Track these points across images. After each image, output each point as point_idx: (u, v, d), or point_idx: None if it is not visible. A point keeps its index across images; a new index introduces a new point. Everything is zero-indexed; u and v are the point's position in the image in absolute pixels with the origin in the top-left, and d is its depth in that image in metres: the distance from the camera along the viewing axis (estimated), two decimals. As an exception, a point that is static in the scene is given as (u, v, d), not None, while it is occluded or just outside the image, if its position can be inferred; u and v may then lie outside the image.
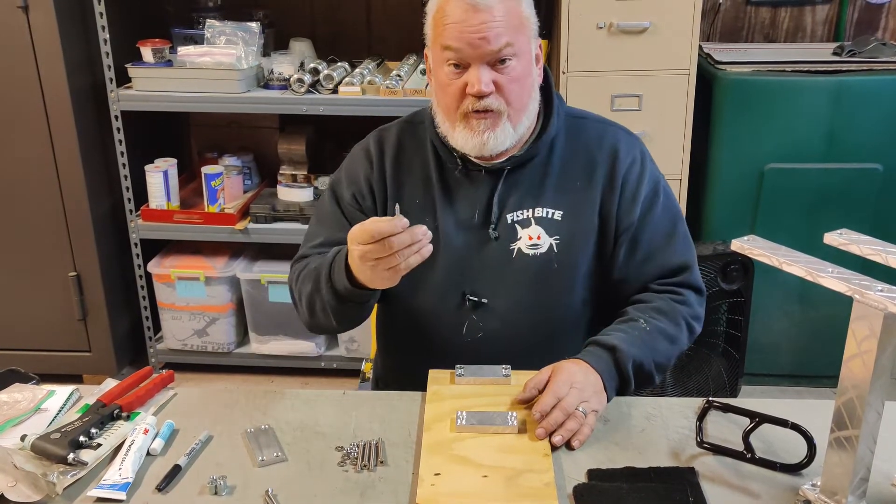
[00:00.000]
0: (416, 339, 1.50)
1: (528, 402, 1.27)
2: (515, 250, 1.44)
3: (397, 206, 1.26)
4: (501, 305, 1.45)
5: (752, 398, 1.39)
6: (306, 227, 2.75)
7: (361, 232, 1.23)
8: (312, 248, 1.51)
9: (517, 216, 1.44)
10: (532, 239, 1.44)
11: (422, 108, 1.53)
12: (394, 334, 1.59)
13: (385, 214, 1.48)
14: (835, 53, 2.75)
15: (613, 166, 1.45)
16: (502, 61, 1.34)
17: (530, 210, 1.44)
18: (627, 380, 1.32)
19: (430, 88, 1.47)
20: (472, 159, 1.44)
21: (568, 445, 1.20)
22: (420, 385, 1.36)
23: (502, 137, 1.38)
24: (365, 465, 1.17)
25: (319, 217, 1.56)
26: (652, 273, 1.46)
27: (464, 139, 1.39)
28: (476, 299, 1.45)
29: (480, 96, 1.34)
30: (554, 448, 1.19)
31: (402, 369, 1.58)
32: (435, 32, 1.38)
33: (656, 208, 1.46)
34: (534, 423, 1.22)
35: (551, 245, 1.44)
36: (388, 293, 1.44)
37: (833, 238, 1.05)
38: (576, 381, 1.25)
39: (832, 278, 0.98)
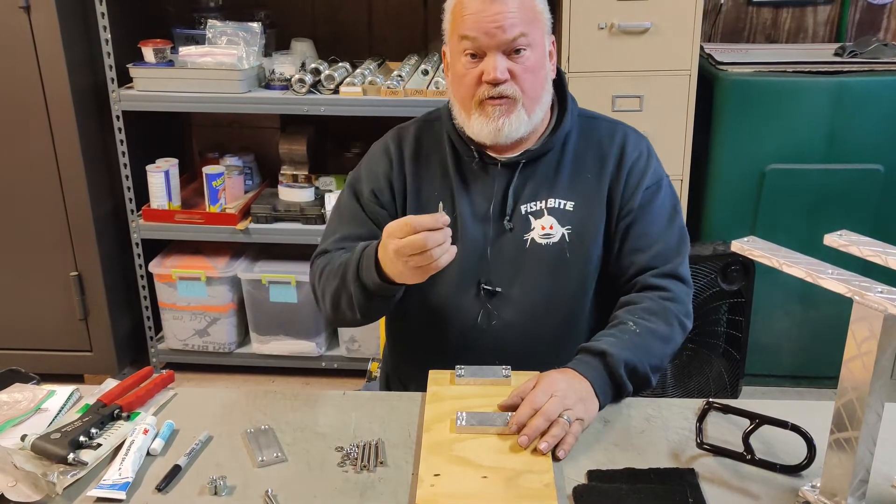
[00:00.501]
0: (429, 333, 1.52)
1: (511, 409, 1.25)
2: (529, 240, 1.47)
3: (441, 204, 1.29)
4: (516, 294, 1.47)
5: (752, 399, 1.39)
6: (307, 227, 2.83)
7: (401, 225, 1.26)
8: (332, 244, 1.53)
9: (531, 207, 1.48)
10: (545, 229, 1.47)
11: (437, 108, 1.57)
12: (406, 329, 1.59)
13: (404, 209, 1.52)
14: (836, 54, 2.75)
15: (621, 158, 1.49)
16: (517, 51, 1.39)
17: (543, 201, 1.48)
18: (622, 384, 1.32)
19: (447, 84, 1.51)
20: (489, 153, 1.47)
21: (554, 456, 1.18)
22: None
23: (517, 124, 1.42)
24: (365, 466, 1.17)
25: (338, 214, 1.58)
26: (641, 262, 1.46)
27: (479, 126, 1.42)
28: (491, 288, 1.47)
29: (496, 83, 1.39)
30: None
31: (413, 365, 1.58)
32: (453, 25, 1.43)
33: (656, 201, 1.49)
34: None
35: (563, 235, 1.46)
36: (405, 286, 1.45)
37: (833, 239, 1.04)
38: (557, 389, 1.24)
39: (832, 280, 0.98)
